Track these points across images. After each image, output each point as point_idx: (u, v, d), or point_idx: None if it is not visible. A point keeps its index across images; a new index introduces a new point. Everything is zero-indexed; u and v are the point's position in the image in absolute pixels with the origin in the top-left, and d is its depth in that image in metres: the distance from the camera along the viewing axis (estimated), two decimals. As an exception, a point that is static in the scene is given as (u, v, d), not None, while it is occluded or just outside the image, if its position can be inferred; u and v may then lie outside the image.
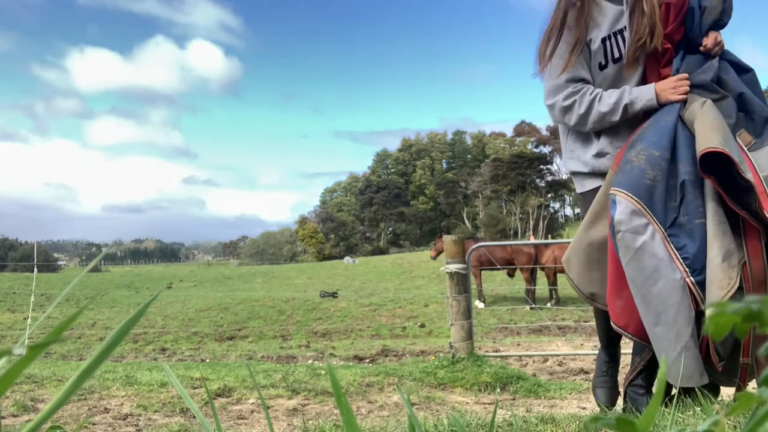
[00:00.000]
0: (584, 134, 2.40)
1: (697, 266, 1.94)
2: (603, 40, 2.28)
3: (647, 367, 2.22)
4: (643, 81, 2.31)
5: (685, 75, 2.22)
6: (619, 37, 2.28)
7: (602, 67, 2.30)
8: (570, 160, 2.48)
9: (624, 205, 2.00)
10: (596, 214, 2.22)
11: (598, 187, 2.32)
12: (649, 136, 2.13)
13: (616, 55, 2.29)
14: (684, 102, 2.20)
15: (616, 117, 2.26)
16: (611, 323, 2.17)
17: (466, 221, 68.68)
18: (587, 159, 2.38)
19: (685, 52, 2.28)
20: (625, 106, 2.24)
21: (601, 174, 2.35)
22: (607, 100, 2.26)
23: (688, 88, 2.20)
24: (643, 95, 2.24)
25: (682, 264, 1.95)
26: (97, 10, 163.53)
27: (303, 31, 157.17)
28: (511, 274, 14.34)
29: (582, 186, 2.46)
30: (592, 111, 2.28)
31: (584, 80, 2.31)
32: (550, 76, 2.34)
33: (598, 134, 2.36)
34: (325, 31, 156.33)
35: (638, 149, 2.11)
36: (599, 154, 2.34)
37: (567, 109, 2.32)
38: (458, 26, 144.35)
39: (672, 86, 2.22)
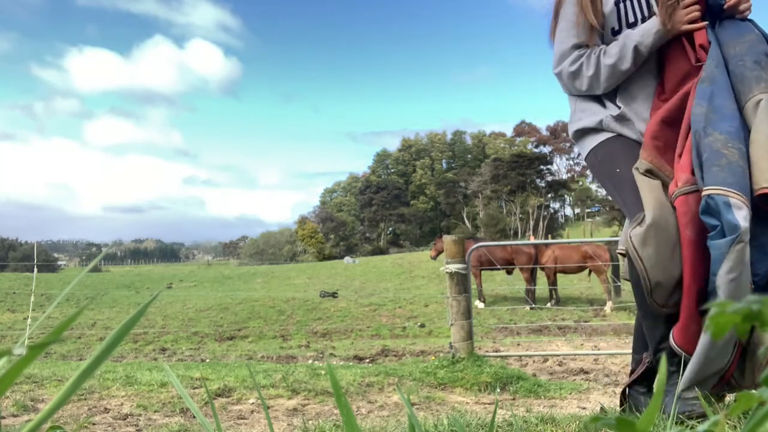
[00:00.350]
0: (598, 98, 2.21)
1: (761, 283, 1.80)
2: (616, 3, 2.13)
3: (650, 370, 2.15)
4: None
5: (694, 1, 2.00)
6: (635, 0, 2.12)
7: (615, 33, 2.15)
8: (580, 120, 2.23)
9: (746, 212, 1.73)
10: (662, 199, 1.90)
11: (614, 137, 2.12)
12: (723, 125, 1.84)
13: (631, 19, 2.12)
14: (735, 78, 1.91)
15: (628, 63, 2.07)
16: (672, 341, 1.93)
17: (466, 221, 68.71)
18: (604, 117, 2.16)
19: (713, 23, 2.04)
20: (635, 47, 2.05)
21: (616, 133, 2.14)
22: (612, 51, 2.09)
23: (699, 14, 2.00)
24: (647, 30, 2.04)
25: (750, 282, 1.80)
26: (96, 10, 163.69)
27: (302, 31, 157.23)
28: (510, 272, 14.35)
29: (593, 140, 2.20)
30: (601, 68, 2.10)
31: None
32: (557, 43, 2.21)
33: (613, 99, 2.16)
34: (324, 31, 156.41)
35: (722, 140, 1.81)
36: (620, 119, 2.12)
37: (575, 75, 2.16)
38: (457, 27, 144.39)
39: (685, 12, 2.00)
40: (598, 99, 2.20)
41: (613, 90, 2.17)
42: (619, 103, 2.14)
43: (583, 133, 2.24)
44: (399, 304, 13.10)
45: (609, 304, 12.10)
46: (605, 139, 2.15)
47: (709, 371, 1.85)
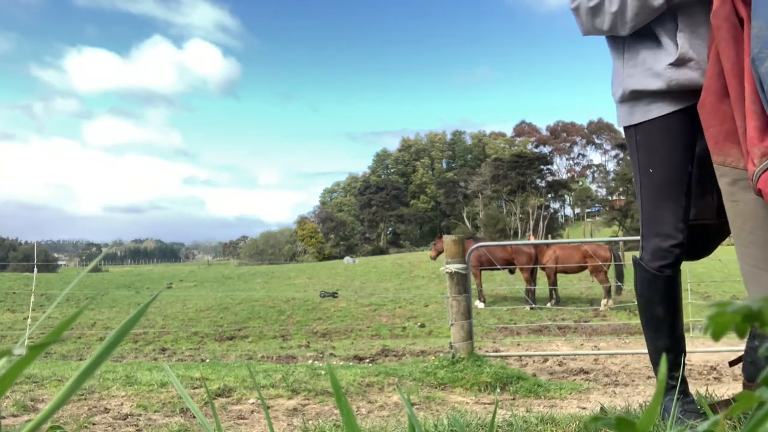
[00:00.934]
0: (651, 37, 1.80)
1: None
2: None
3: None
4: None
5: None
6: None
7: None
8: (631, 78, 1.86)
9: None
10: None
11: (664, 119, 1.82)
12: None
13: None
14: None
15: None
16: None
17: (466, 221, 68.71)
18: (660, 69, 1.77)
19: None
20: None
21: (677, 92, 1.78)
22: None
23: None
24: None
25: None
26: (95, 10, 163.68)
27: (301, 31, 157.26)
28: (512, 271, 14.37)
29: (639, 113, 1.87)
30: (627, 3, 1.75)
31: None
32: None
33: (672, 33, 1.77)
34: (323, 31, 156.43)
35: None
36: (679, 62, 1.74)
37: (595, 11, 1.82)
38: (457, 27, 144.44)
39: None
40: (653, 37, 1.81)
41: (673, 17, 1.78)
42: (680, 36, 1.76)
43: (632, 96, 1.89)
44: (399, 304, 13.10)
45: (605, 301, 12.11)
46: (652, 120, 1.85)
47: None
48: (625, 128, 1.99)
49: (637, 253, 2.08)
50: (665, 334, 1.96)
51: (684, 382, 1.99)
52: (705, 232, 2.06)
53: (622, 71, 1.91)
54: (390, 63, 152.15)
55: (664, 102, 1.82)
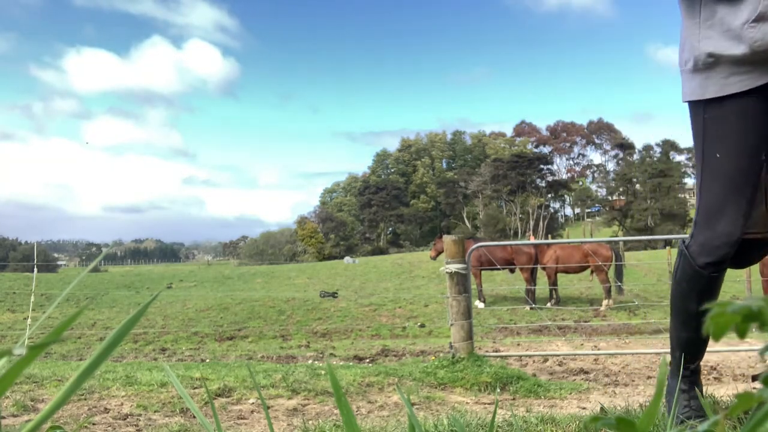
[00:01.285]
0: None
1: None
2: None
3: None
4: None
5: None
6: None
7: None
8: (709, 40, 1.57)
9: None
10: None
11: (750, 92, 1.53)
12: None
13: None
14: None
15: None
16: None
17: (466, 221, 68.74)
18: (740, 28, 1.49)
19: None
20: None
21: (762, 61, 1.50)
22: None
23: None
24: None
25: None
26: (94, 11, 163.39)
27: (300, 31, 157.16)
28: (512, 271, 14.38)
29: (721, 87, 1.56)
30: None
31: None
32: None
33: None
34: (322, 31, 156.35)
35: None
36: (761, 17, 1.47)
37: None
38: (455, 27, 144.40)
39: None
40: None
41: None
42: None
43: (708, 64, 1.60)
44: (399, 304, 13.10)
45: (606, 301, 12.12)
46: (727, 96, 1.58)
47: None
48: (691, 102, 1.70)
49: (686, 238, 1.90)
50: (692, 328, 1.87)
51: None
52: (752, 244, 1.87)
53: (697, 33, 1.61)
54: (389, 63, 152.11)
55: (745, 74, 1.54)
